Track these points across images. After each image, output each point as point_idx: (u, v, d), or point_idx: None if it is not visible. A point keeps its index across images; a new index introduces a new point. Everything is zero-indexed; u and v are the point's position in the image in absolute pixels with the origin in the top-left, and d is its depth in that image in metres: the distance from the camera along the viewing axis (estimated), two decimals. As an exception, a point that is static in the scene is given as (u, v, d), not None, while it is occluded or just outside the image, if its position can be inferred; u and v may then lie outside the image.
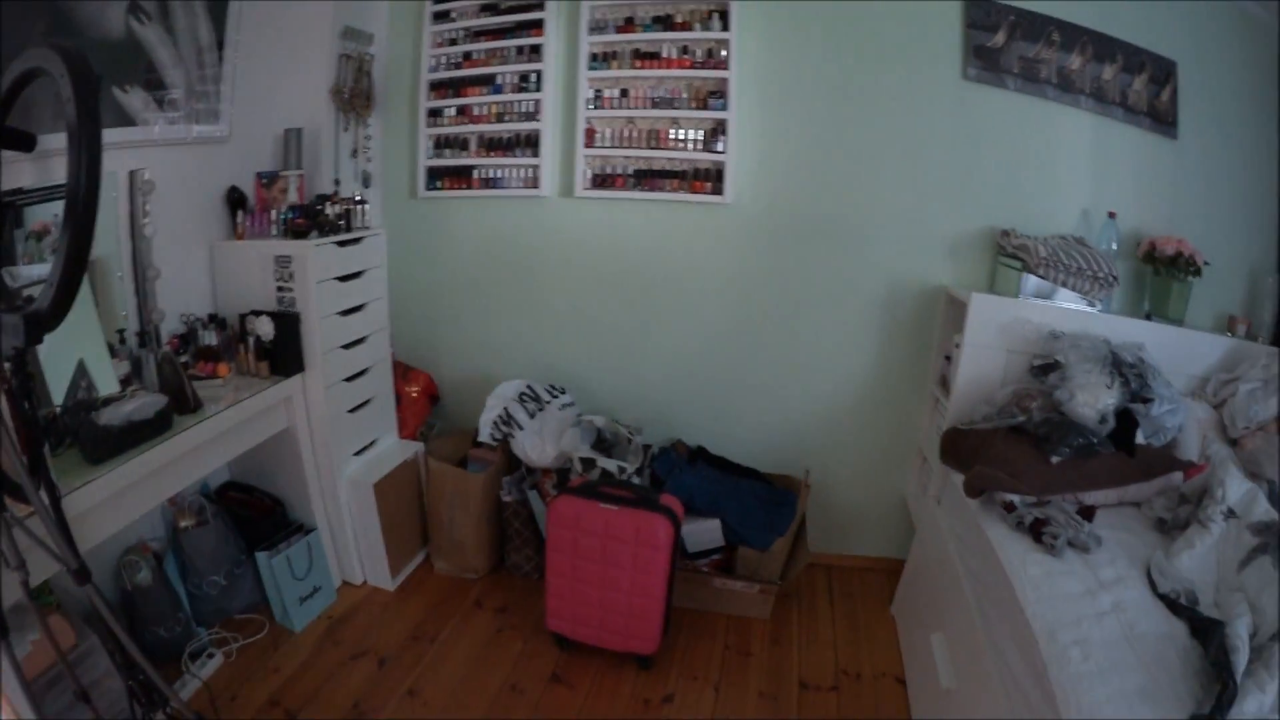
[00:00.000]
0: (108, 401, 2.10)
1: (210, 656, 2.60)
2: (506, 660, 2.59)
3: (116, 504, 2.01)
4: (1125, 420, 2.40)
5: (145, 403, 2.12)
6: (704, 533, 2.69)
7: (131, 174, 2.38)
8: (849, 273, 2.93)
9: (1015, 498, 2.19)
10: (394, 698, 2.42)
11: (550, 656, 2.60)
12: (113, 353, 2.37)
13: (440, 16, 3.13)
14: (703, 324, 3.11)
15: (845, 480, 3.09)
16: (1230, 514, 2.10)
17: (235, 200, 2.82)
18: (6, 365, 1.44)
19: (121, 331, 2.44)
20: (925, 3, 2.77)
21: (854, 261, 2.91)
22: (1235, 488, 2.16)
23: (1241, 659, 1.54)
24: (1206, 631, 1.66)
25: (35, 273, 2.10)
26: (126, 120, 2.40)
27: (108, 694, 2.07)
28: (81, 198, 1.17)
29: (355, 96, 3.04)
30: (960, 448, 2.44)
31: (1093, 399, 2.39)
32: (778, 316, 3.03)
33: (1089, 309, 2.67)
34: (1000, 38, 2.80)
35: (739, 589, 2.70)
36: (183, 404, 2.28)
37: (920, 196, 2.84)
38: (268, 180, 2.84)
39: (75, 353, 2.21)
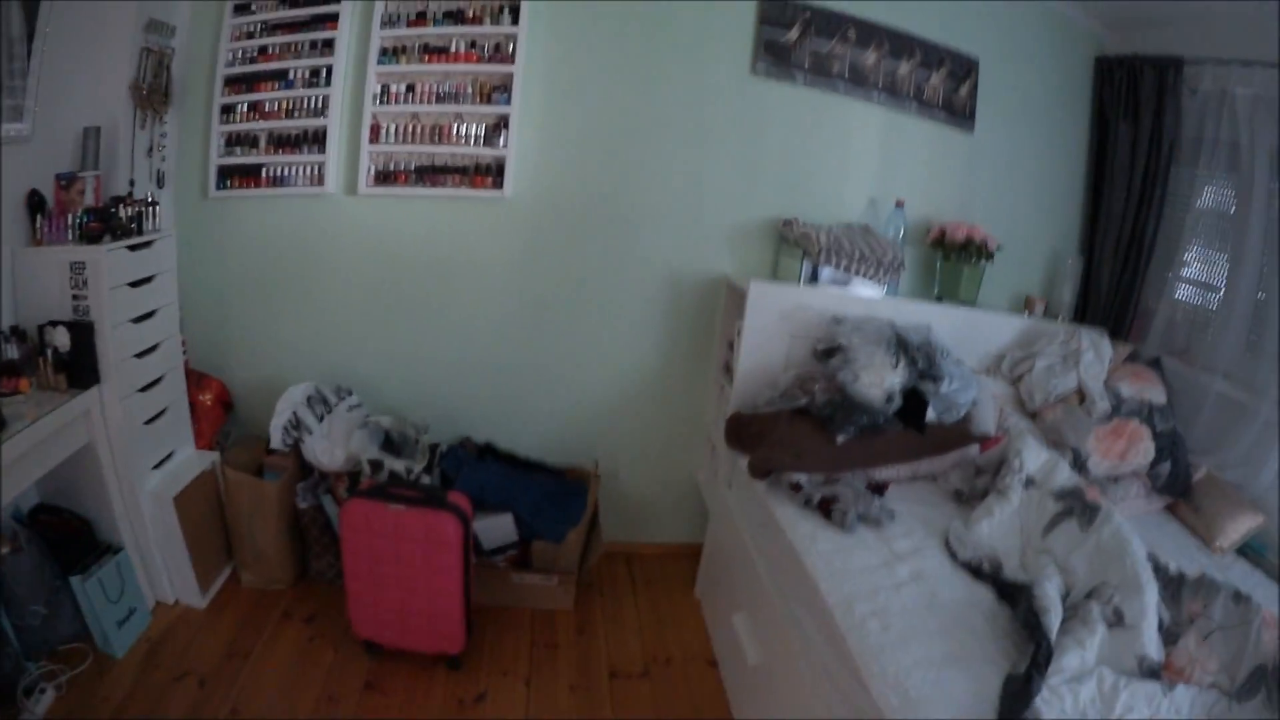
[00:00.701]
0: None
1: (42, 692, 2.55)
2: (320, 671, 2.61)
3: None
4: (914, 399, 2.54)
5: None
6: (497, 529, 2.76)
7: None
8: (631, 264, 3.03)
9: (802, 477, 2.31)
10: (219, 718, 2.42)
11: (362, 664, 2.63)
12: None
13: (241, 9, 3.08)
14: (487, 320, 3.15)
15: (638, 469, 3.22)
16: (1030, 482, 2.26)
17: (35, 204, 2.73)
18: None
19: None
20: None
21: (636, 253, 3.02)
22: (1034, 457, 2.33)
23: (1054, 618, 1.68)
24: (1014, 595, 1.81)
25: None
26: None
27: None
28: None
29: (153, 92, 2.98)
30: (744, 432, 2.55)
31: (878, 379, 2.52)
32: (561, 309, 3.11)
33: (874, 294, 2.79)
34: (794, 34, 2.92)
35: (538, 582, 2.79)
36: None
37: (704, 188, 2.96)
38: (66, 182, 2.75)
39: None
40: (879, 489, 2.36)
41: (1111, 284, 3.20)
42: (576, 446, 3.22)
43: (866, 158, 3.04)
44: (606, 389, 3.17)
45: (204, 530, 2.97)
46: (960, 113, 3.15)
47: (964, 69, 3.13)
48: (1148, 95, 3.07)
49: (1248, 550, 2.46)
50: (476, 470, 2.88)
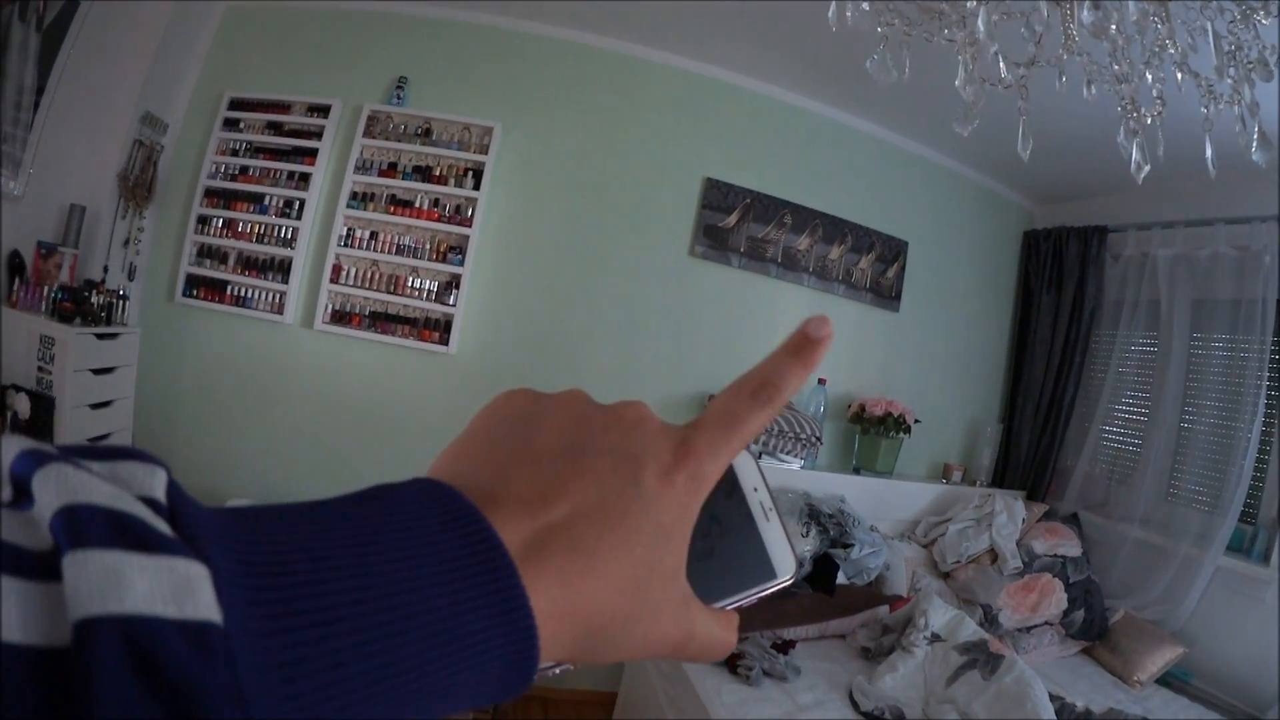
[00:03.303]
0: None
1: None
2: None
3: None
4: (825, 564, 2.81)
5: None
6: None
7: None
8: None
9: None
10: None
11: None
12: None
13: (230, 124, 3.37)
14: (419, 468, 3.33)
15: None
16: (935, 638, 2.52)
17: (15, 266, 2.92)
18: None
19: None
20: (667, 181, 3.28)
21: None
22: (939, 615, 2.59)
23: None
24: None
25: None
26: None
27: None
28: None
29: (138, 185, 3.21)
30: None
31: None
32: None
33: (791, 466, 3.08)
34: (733, 219, 3.30)
35: None
36: None
37: (638, 359, 3.31)
38: (47, 251, 2.97)
39: None
40: (785, 647, 2.60)
41: (1030, 447, 3.60)
42: None
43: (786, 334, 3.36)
44: None
45: None
46: (886, 294, 3.54)
47: (893, 252, 3.55)
48: (1071, 264, 3.51)
49: (1171, 679, 2.83)
50: None
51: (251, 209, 3.33)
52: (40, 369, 2.78)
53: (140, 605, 0.17)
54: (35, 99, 2.78)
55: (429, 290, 3.23)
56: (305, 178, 3.29)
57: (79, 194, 3.07)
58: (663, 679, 2.61)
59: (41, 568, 0.17)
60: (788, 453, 3.11)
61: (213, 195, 3.37)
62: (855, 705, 2.28)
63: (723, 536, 0.34)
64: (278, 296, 3.31)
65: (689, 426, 0.33)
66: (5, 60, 2.60)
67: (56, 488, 0.18)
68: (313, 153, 3.28)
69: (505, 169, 3.22)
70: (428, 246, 3.23)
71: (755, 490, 0.36)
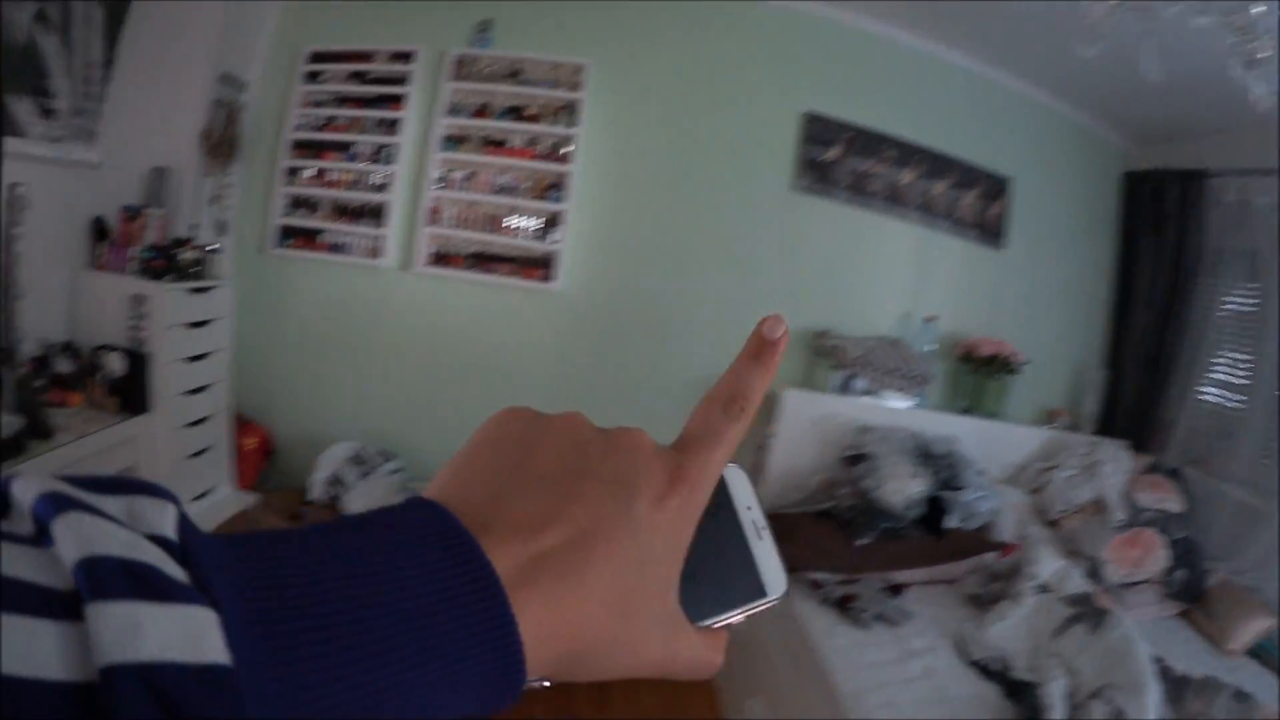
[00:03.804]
0: None
1: None
2: None
3: None
4: (935, 506, 2.72)
5: (2, 423, 2.23)
6: None
7: (12, 186, 2.48)
8: (670, 363, 3.30)
9: (823, 575, 2.47)
10: None
11: None
12: None
13: (312, 76, 3.40)
14: (527, 404, 3.31)
15: None
16: (1043, 588, 2.45)
17: (99, 230, 2.96)
18: None
19: None
20: (767, 115, 3.19)
21: (675, 352, 3.30)
22: (1047, 565, 2.52)
23: (1054, 715, 1.89)
24: (1020, 693, 2.02)
25: None
26: (10, 130, 2.49)
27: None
28: None
29: (222, 144, 3.23)
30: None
31: (900, 487, 2.71)
32: (600, 401, 3.37)
33: (902, 405, 2.99)
34: (835, 152, 3.18)
35: None
36: (36, 429, 2.40)
37: (743, 294, 3.26)
38: (132, 214, 3.01)
39: None
40: (896, 590, 2.57)
41: (1135, 396, 3.48)
42: None
43: (900, 273, 3.30)
44: None
45: None
46: (991, 230, 3.42)
47: (996, 188, 3.44)
48: (1172, 209, 3.37)
49: (1260, 651, 2.69)
50: None
51: (341, 157, 3.36)
52: (132, 327, 2.82)
53: (155, 653, 0.18)
54: (105, 70, 2.81)
55: (531, 228, 3.21)
56: (394, 124, 3.30)
57: (161, 157, 3.10)
58: (772, 617, 2.55)
59: (70, 606, 0.18)
60: (899, 390, 3.02)
61: (300, 147, 3.41)
62: (964, 653, 2.24)
63: (715, 555, 0.35)
64: (374, 241, 3.34)
65: (677, 450, 0.35)
66: (70, 35, 2.62)
67: (75, 539, 0.19)
68: (399, 99, 3.29)
69: (600, 106, 3.18)
70: (526, 185, 3.22)
71: (749, 509, 0.37)
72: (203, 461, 3.14)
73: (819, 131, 3.22)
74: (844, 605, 2.35)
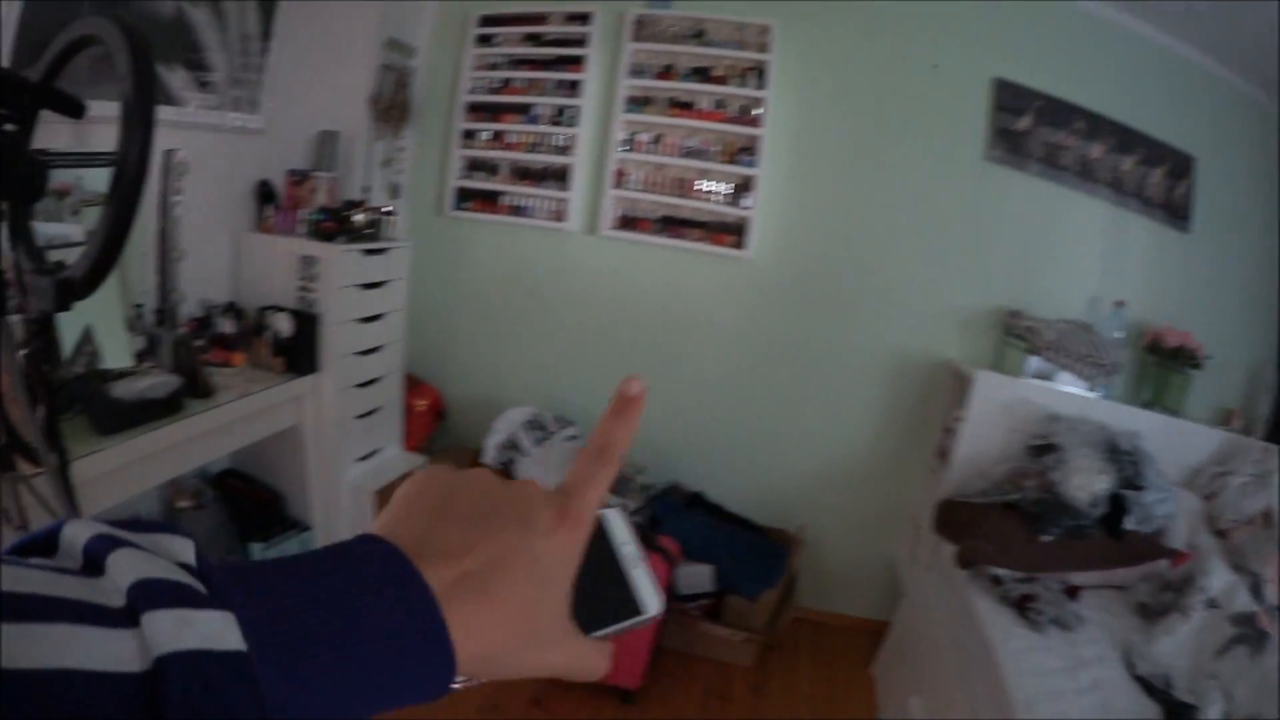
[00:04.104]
0: (122, 375, 2.22)
1: None
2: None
3: (117, 478, 2.12)
4: (1116, 505, 2.61)
5: (159, 382, 2.24)
6: (696, 576, 2.89)
7: (166, 153, 2.50)
8: (860, 337, 3.18)
9: (1003, 572, 2.37)
10: None
11: (532, 680, 2.71)
12: (128, 326, 2.49)
13: (484, 40, 3.38)
14: (713, 373, 3.36)
15: (837, 540, 3.31)
16: (1212, 604, 2.30)
17: (265, 194, 3.01)
18: (29, 327, 1.50)
19: (139, 307, 2.58)
20: (956, 81, 3.03)
21: (865, 326, 3.17)
22: (1219, 579, 2.37)
23: None
24: (1179, 715, 1.93)
25: (53, 231, 2.25)
26: (165, 98, 2.52)
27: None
28: (131, 174, 1.19)
29: (392, 108, 3.24)
30: (953, 519, 2.64)
31: (1086, 482, 2.59)
32: (787, 373, 3.28)
33: (1087, 394, 2.85)
34: (1026, 122, 3.04)
35: (725, 635, 2.88)
36: (195, 388, 2.42)
37: (935, 269, 3.10)
38: (299, 179, 3.04)
39: (83, 319, 2.31)
40: (1073, 593, 2.45)
41: None
42: (781, 508, 3.35)
43: (1089, 253, 3.14)
44: (817, 456, 3.36)
45: None
46: (1178, 211, 3.23)
47: (1181, 167, 3.24)
48: None
49: None
50: (684, 517, 3.08)
51: (520, 120, 3.34)
52: (302, 288, 2.83)
53: (196, 643, 0.25)
54: (264, 42, 2.83)
55: (721, 193, 3.14)
56: (575, 85, 3.26)
57: (328, 121, 3.13)
58: (947, 614, 2.50)
59: (120, 619, 0.25)
60: (1087, 379, 2.88)
61: (476, 110, 3.40)
62: (1130, 666, 2.12)
63: (599, 580, 0.42)
64: (557, 204, 3.32)
65: (561, 494, 0.42)
66: (221, 7, 2.64)
67: (128, 567, 0.26)
68: (578, 60, 3.24)
69: (787, 67, 3.07)
70: (716, 148, 3.14)
71: (624, 545, 0.44)
72: (372, 421, 3.16)
73: (1009, 99, 3.06)
74: (1022, 606, 2.25)
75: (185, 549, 0.29)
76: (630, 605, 0.43)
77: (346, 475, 3.06)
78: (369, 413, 3.13)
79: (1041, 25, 3.06)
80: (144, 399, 2.16)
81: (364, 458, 3.16)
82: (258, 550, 2.86)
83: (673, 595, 2.88)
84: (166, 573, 0.27)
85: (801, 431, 3.31)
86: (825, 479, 3.31)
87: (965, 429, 2.80)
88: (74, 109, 1.47)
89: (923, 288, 3.11)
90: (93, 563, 0.27)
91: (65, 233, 2.30)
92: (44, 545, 0.28)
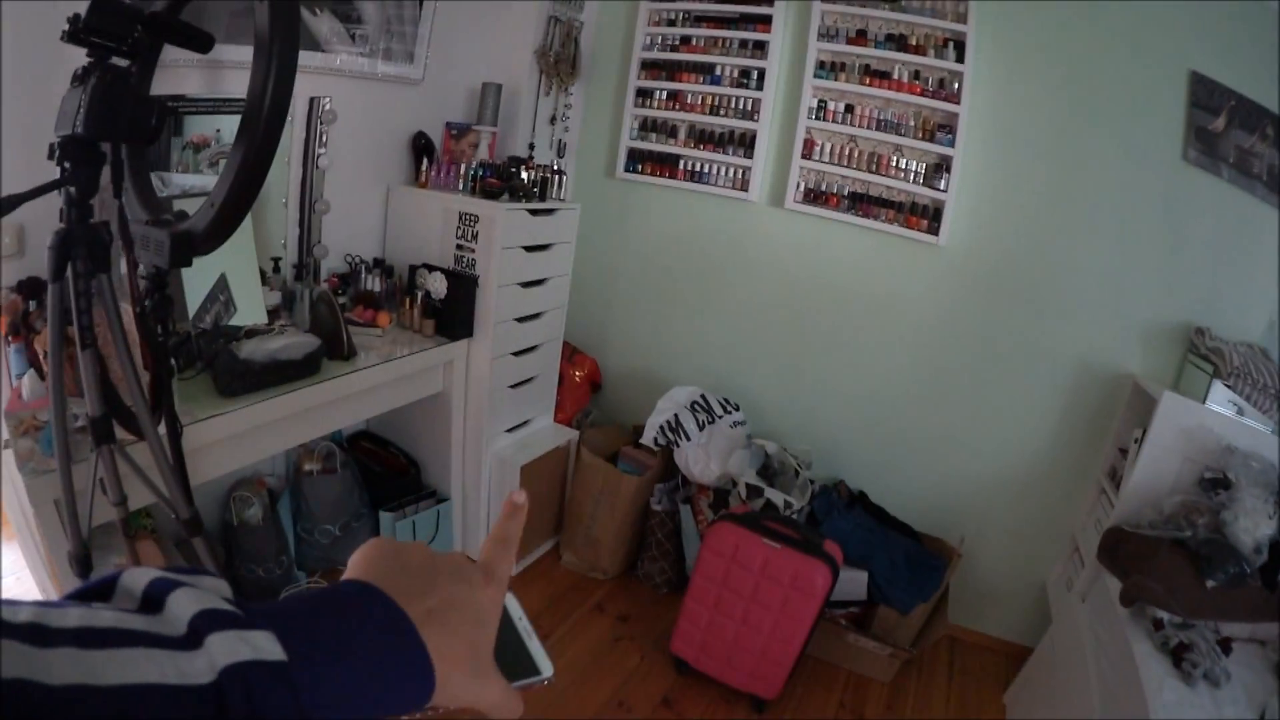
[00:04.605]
0: (252, 333, 2.16)
1: None
2: (619, 673, 2.74)
3: (241, 443, 2.07)
4: (1275, 554, 2.49)
5: (295, 342, 2.17)
6: (850, 583, 2.79)
7: (312, 100, 2.48)
8: (1044, 340, 2.96)
9: (1165, 616, 2.27)
10: None
11: (665, 678, 2.75)
12: (264, 280, 2.46)
13: None
14: (891, 365, 3.18)
15: (989, 554, 3.15)
16: None
17: (421, 147, 2.94)
18: (142, 283, 1.43)
19: (276, 260, 2.54)
20: (1155, 70, 2.78)
21: (1050, 329, 2.94)
22: None
23: None
24: None
25: (188, 182, 2.23)
26: (311, 44, 2.48)
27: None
28: (265, 114, 1.10)
29: (560, 62, 3.15)
30: (1120, 550, 2.52)
31: (1252, 526, 2.45)
32: (967, 373, 3.08)
33: (1263, 428, 2.71)
34: (1220, 122, 2.82)
35: (870, 648, 2.79)
36: (334, 349, 2.35)
37: (1123, 273, 2.86)
38: (458, 132, 2.96)
39: (217, 266, 2.26)
40: (1226, 645, 2.31)
41: None
42: (942, 516, 3.20)
43: (1271, 272, 2.93)
44: (984, 463, 3.15)
45: (540, 502, 3.15)
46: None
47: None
48: None
49: None
50: (844, 518, 2.97)
51: (701, 80, 3.18)
52: (460, 247, 2.73)
53: (249, 655, 0.32)
54: None
55: (915, 172, 2.94)
56: (761, 45, 3.07)
57: (492, 74, 3.02)
58: (1098, 650, 2.37)
59: (187, 644, 0.31)
60: (1265, 411, 2.73)
61: (650, 67, 3.27)
62: None
63: (505, 645, 0.50)
64: (740, 172, 3.18)
65: (481, 565, 0.51)
66: None
67: (190, 601, 0.33)
68: (765, 19, 3.05)
69: (984, 42, 2.84)
70: (912, 123, 2.93)
71: (520, 620, 0.54)
72: (525, 391, 3.09)
73: (1204, 95, 2.78)
74: (1178, 655, 2.10)
75: (223, 588, 0.37)
76: (530, 666, 0.52)
77: (493, 446, 2.99)
78: (523, 382, 3.05)
79: (1239, 20, 2.81)
80: (276, 360, 2.09)
81: (512, 429, 3.09)
82: (388, 520, 2.82)
83: (825, 601, 2.79)
84: (218, 604, 0.34)
85: (973, 436, 3.13)
86: (989, 489, 3.14)
87: (1143, 453, 2.66)
88: (200, 43, 1.38)
89: (1109, 293, 2.88)
90: (151, 600, 0.34)
91: (204, 185, 2.27)
92: (100, 592, 0.35)
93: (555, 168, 2.96)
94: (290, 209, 2.54)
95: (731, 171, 3.18)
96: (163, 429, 1.53)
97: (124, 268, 1.62)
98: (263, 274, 2.44)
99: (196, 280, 2.22)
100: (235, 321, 2.28)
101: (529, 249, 2.84)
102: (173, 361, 1.81)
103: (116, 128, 1.22)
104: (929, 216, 2.94)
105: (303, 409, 2.16)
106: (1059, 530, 3.02)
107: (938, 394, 3.13)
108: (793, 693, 2.71)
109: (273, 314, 2.42)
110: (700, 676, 2.68)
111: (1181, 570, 2.36)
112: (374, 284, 2.77)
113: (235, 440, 2.00)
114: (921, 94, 2.87)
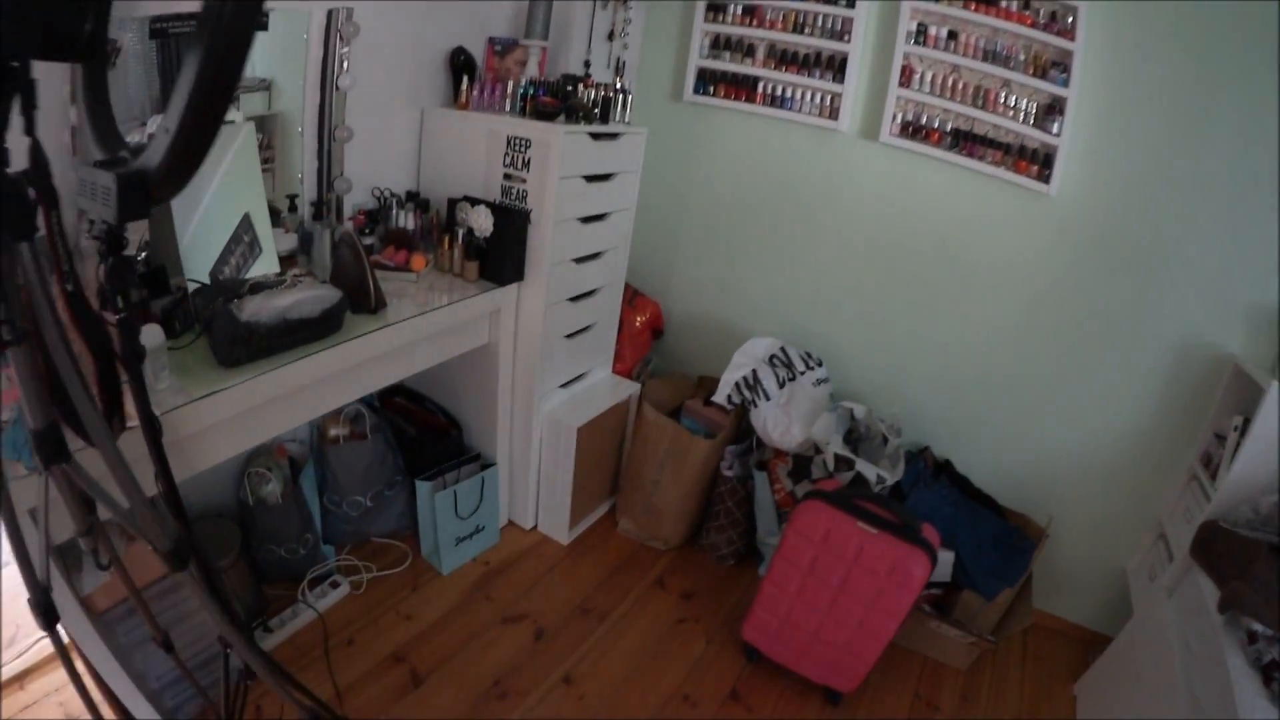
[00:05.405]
0: (259, 286, 1.77)
1: (335, 586, 2.48)
2: (683, 661, 2.48)
3: (247, 422, 1.74)
4: None
5: (310, 296, 1.80)
6: (939, 566, 2.53)
7: (330, 12, 2.14)
8: (1150, 311, 2.65)
9: (1259, 628, 2.10)
10: (545, 682, 2.30)
11: (733, 667, 2.50)
12: (277, 221, 2.13)
13: None
14: (986, 324, 2.88)
15: (1069, 533, 2.88)
16: None
17: (461, 64, 2.59)
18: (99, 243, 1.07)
19: (293, 198, 2.23)
20: None
21: (1158, 299, 2.63)
22: None
23: None
24: None
25: None
26: None
27: (200, 626, 1.93)
28: (222, 24, 0.81)
29: (622, -32, 2.74)
30: (1215, 549, 2.32)
31: None
32: (1066, 338, 2.78)
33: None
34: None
35: (953, 637, 2.57)
36: (360, 301, 2.01)
37: (1234, 247, 2.53)
38: (502, 48, 2.63)
39: (237, 205, 1.94)
40: None
41: None
42: (1027, 491, 2.92)
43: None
44: (1073, 437, 2.84)
45: (595, 463, 2.87)
46: None
47: None
48: None
49: None
50: (930, 490, 2.68)
51: None
52: (508, 177, 2.40)
53: None
54: None
55: (1025, 112, 2.61)
56: None
57: None
58: (1188, 654, 2.14)
59: None
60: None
61: None
62: None
63: None
64: (829, 98, 2.83)
65: None
66: None
67: None
68: None
69: None
70: (1022, 57, 2.59)
71: None
72: (582, 341, 2.77)
73: None
74: (1269, 672, 1.91)
75: None
76: None
77: (546, 405, 2.70)
78: (579, 331, 2.74)
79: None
80: (286, 320, 1.73)
81: (567, 383, 2.80)
82: (425, 490, 2.53)
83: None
84: None
85: (1065, 406, 2.83)
86: (1077, 464, 2.86)
87: (1245, 446, 2.46)
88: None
89: (1218, 266, 2.55)
90: None
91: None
92: None
93: (618, 86, 2.59)
94: (307, 138, 2.21)
95: (819, 97, 2.84)
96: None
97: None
98: (276, 213, 2.12)
99: (217, 221, 1.89)
100: (246, 274, 1.94)
101: (589, 179, 2.49)
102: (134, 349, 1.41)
103: (27, 39, 0.85)
104: (1039, 162, 2.61)
105: (321, 377, 1.83)
106: (1144, 514, 2.78)
107: (1032, 357, 2.83)
108: (867, 681, 2.45)
109: (288, 261, 2.11)
110: (771, 665, 2.43)
111: (1276, 578, 2.20)
112: (407, 221, 2.44)
113: (240, 420, 1.67)
114: (1031, 25, 2.51)
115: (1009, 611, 2.63)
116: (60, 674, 1.98)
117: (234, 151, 1.90)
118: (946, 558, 2.55)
